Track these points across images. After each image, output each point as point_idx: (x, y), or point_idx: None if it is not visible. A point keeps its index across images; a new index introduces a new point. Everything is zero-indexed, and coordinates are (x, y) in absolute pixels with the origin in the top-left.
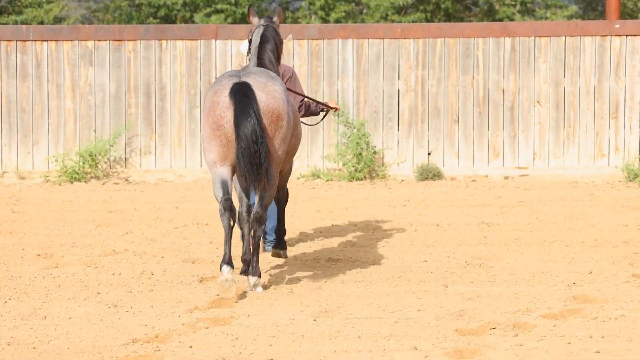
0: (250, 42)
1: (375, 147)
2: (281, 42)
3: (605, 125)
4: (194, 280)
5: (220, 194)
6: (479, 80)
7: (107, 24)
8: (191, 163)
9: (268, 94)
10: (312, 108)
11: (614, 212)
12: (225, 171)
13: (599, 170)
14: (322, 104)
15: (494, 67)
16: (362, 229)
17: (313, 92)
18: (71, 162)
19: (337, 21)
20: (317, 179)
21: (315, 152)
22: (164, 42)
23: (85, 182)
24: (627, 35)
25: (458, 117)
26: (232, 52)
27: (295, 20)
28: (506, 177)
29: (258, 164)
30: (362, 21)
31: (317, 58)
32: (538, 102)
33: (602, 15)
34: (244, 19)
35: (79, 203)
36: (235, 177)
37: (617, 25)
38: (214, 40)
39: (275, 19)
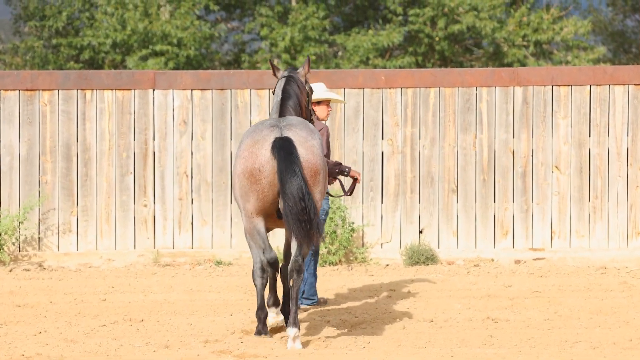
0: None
1: (353, 223)
2: (307, 95)
3: None
4: None
5: (257, 250)
6: (482, 139)
7: (17, 69)
8: (123, 244)
9: (308, 149)
10: (328, 166)
11: None
12: (261, 224)
13: (634, 252)
14: (342, 168)
15: (501, 123)
16: (336, 325)
17: None
18: None
19: None
20: (281, 263)
21: (277, 230)
22: (88, 93)
23: None
24: None
25: (457, 186)
26: (174, 104)
27: (253, 65)
28: (517, 261)
29: (307, 220)
30: (337, 66)
31: None
32: (557, 167)
33: (636, 58)
34: (189, 64)
35: None
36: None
37: None
38: (151, 90)
39: (300, 69)
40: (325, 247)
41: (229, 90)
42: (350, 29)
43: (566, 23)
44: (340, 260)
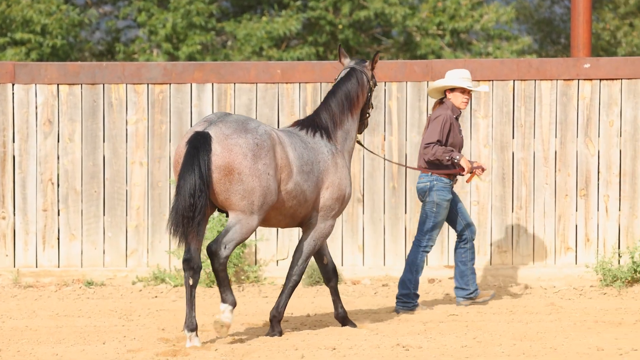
0: None
1: None
2: (365, 91)
3: (571, 206)
4: None
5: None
6: (392, 142)
7: None
8: None
9: (225, 147)
10: (437, 154)
11: (583, 330)
12: None
13: (562, 269)
14: (453, 156)
15: (413, 123)
16: (225, 354)
17: (155, 158)
18: None
19: (191, 58)
20: (161, 284)
21: (157, 246)
22: None
23: None
24: (601, 80)
25: (363, 195)
26: (38, 101)
27: (129, 57)
28: (431, 280)
29: (189, 217)
30: (227, 58)
31: (161, 110)
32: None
33: (565, 50)
34: (55, 54)
35: None
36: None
37: (588, 65)
38: (10, 85)
39: (367, 63)
40: None
41: (102, 85)
42: (241, 15)
43: (487, 10)
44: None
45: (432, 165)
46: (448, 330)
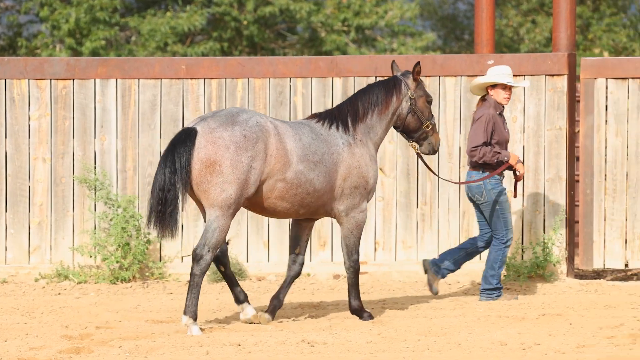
0: None
1: (149, 234)
2: (399, 96)
3: None
4: None
5: None
6: None
7: None
8: None
9: (209, 139)
10: (486, 157)
11: (487, 324)
12: (203, 213)
13: (466, 265)
14: (501, 157)
15: None
16: (129, 351)
17: (59, 154)
18: None
19: (95, 53)
20: (64, 281)
21: (61, 242)
22: None
23: None
24: None
25: None
26: None
27: (31, 52)
28: (337, 276)
29: (159, 211)
30: (131, 53)
31: (64, 106)
32: (381, 169)
33: (469, 46)
34: None
35: None
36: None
37: (491, 62)
38: None
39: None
40: (117, 262)
41: (3, 81)
42: (146, 11)
43: (391, 6)
44: (134, 277)
45: (482, 166)
46: (353, 326)
